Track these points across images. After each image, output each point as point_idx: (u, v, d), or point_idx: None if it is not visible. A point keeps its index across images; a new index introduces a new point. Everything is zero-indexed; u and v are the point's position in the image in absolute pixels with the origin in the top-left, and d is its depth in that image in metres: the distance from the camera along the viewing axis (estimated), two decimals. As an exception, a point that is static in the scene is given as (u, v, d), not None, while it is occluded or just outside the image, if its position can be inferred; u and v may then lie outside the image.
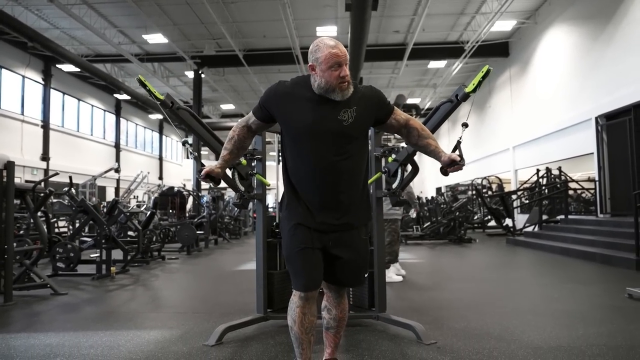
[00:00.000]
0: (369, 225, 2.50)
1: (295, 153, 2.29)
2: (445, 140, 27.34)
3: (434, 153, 2.33)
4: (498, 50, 17.49)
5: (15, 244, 5.36)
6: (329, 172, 2.22)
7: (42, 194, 6.13)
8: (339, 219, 2.26)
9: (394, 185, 3.71)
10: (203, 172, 2.28)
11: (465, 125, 2.62)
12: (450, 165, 2.25)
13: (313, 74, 2.21)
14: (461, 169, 2.24)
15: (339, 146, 2.22)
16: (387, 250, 5.84)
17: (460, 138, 2.53)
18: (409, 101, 24.59)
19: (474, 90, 2.71)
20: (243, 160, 3.64)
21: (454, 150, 2.41)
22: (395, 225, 6.23)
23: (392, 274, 6.08)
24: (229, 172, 3.64)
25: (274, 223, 3.94)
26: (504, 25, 15.37)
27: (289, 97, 2.26)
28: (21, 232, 7.20)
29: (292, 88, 2.27)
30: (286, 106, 2.26)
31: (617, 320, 3.88)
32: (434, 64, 19.38)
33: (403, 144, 3.77)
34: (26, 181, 15.78)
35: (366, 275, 2.50)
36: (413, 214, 6.75)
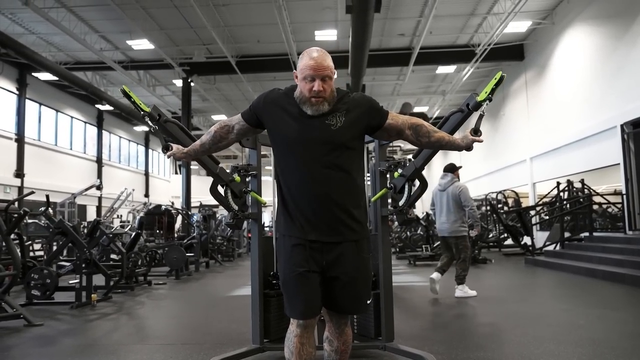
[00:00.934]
0: (370, 243, 2.49)
1: (286, 164, 2.36)
2: (455, 152, 27.33)
3: (450, 144, 2.45)
4: (512, 53, 17.62)
5: (-14, 270, 5.35)
6: (320, 183, 2.27)
7: (15, 215, 6.13)
8: (331, 233, 2.28)
9: (401, 203, 3.71)
10: (168, 153, 2.58)
11: (489, 99, 2.73)
12: (472, 146, 2.41)
13: (297, 81, 2.33)
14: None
15: (329, 154, 2.28)
16: (462, 265, 6.74)
17: (483, 112, 2.66)
18: (416, 109, 24.70)
19: (488, 99, 2.73)
20: (237, 177, 3.65)
21: (476, 125, 2.48)
22: (465, 241, 6.84)
23: (467, 289, 6.73)
24: (221, 189, 3.65)
25: (271, 273, 3.89)
26: (518, 27, 15.51)
27: (279, 105, 2.37)
28: (-7, 256, 7.18)
29: (283, 96, 2.38)
30: (275, 114, 2.36)
31: (649, 348, 3.86)
32: (442, 69, 19.53)
33: (410, 157, 3.78)
34: (-1, 200, 15.77)
35: (369, 302, 2.49)
36: (474, 233, 7.12)
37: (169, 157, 2.59)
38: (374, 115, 2.39)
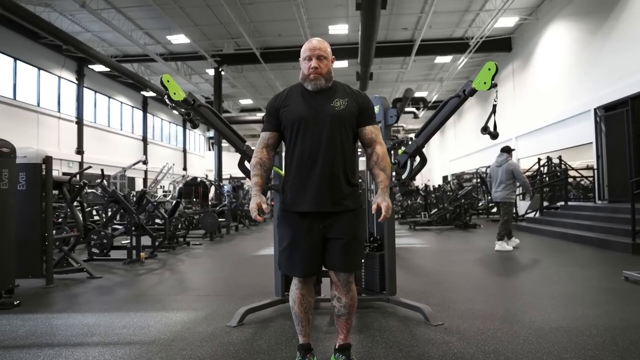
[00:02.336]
0: (360, 211, 2.42)
1: (295, 141, 2.31)
2: (451, 132, 27.09)
3: (376, 186, 2.32)
4: (501, 45, 17.20)
5: (54, 232, 5.45)
6: (323, 156, 2.24)
7: (77, 186, 6.20)
8: (332, 204, 2.25)
9: (404, 176, 3.69)
10: (256, 214, 2.22)
11: (495, 85, 2.89)
12: (377, 213, 2.23)
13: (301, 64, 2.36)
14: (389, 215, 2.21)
15: (334, 131, 2.26)
16: (503, 226, 7.24)
17: (495, 100, 3.01)
18: (417, 94, 24.37)
19: (493, 85, 2.77)
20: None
21: (490, 116, 2.50)
22: (510, 207, 7.35)
23: (504, 244, 7.22)
24: (247, 164, 3.65)
25: None
26: (506, 22, 15.11)
27: (286, 97, 2.37)
28: (59, 220, 7.31)
29: (288, 91, 2.40)
30: (285, 103, 2.36)
31: (613, 302, 3.83)
32: (440, 59, 19.14)
33: (412, 136, 3.75)
34: (63, 173, 15.94)
35: (363, 260, 2.47)
36: (527, 198, 7.57)
37: (256, 216, 2.24)
38: (366, 112, 2.37)
